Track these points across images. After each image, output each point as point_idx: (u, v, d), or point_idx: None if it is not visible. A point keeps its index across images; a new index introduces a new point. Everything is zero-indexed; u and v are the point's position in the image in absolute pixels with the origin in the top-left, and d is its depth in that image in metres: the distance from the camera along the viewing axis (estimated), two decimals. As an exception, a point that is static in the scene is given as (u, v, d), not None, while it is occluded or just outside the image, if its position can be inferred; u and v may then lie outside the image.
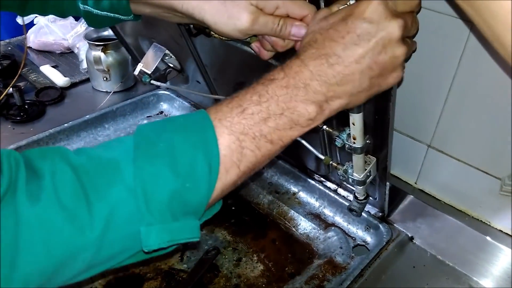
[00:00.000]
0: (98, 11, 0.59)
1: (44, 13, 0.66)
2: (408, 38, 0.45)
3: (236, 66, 0.80)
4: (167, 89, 1.13)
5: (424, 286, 0.71)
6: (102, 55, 1.09)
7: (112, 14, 0.60)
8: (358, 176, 0.68)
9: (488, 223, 0.72)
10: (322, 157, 0.73)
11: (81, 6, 0.60)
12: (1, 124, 1.03)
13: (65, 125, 0.99)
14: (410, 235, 0.78)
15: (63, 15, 0.67)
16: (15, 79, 1.14)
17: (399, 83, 0.50)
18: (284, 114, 0.43)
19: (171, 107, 1.14)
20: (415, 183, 0.79)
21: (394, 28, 0.41)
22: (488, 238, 0.70)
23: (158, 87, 1.13)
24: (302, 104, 0.43)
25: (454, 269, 0.74)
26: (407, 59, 0.46)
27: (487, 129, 0.65)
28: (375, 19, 0.41)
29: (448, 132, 0.70)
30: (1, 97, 1.04)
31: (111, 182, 0.40)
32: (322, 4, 0.53)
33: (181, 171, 0.41)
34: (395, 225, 0.80)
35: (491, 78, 0.60)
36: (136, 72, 0.90)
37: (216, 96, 0.94)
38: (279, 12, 0.51)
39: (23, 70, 1.22)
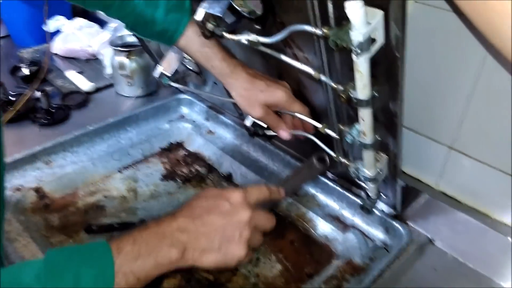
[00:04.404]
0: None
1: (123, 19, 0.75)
2: (258, 230, 0.63)
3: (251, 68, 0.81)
4: (186, 92, 1.15)
5: (445, 288, 0.71)
6: (126, 60, 1.13)
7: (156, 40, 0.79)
8: (369, 173, 0.68)
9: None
10: (334, 154, 0.74)
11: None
12: (28, 127, 1.06)
13: (89, 128, 1.02)
14: (430, 237, 0.78)
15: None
16: (38, 83, 1.15)
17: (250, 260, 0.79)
18: (151, 255, 0.54)
19: (192, 111, 1.16)
20: (437, 185, 0.79)
21: (244, 214, 0.60)
22: (510, 240, 0.69)
23: (179, 92, 1.16)
24: (166, 248, 0.55)
25: (476, 272, 0.73)
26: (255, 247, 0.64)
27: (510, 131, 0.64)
28: (235, 203, 0.61)
29: (471, 133, 0.69)
30: (25, 99, 1.06)
31: None
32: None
33: None
34: (414, 226, 0.79)
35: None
36: (156, 75, 0.92)
37: (232, 100, 0.95)
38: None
39: (50, 76, 1.26)
